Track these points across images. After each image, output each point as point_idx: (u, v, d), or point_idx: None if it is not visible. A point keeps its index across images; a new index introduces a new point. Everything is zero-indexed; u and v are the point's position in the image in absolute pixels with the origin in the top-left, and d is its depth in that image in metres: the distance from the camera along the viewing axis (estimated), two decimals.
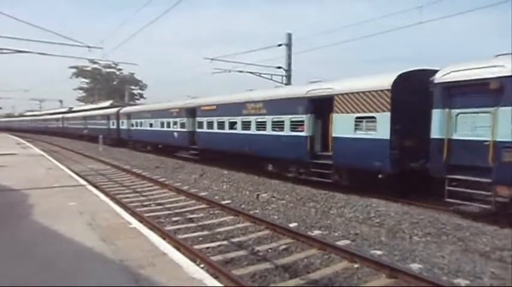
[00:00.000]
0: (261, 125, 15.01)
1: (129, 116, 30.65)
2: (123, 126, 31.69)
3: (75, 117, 48.24)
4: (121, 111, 33.10)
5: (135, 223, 6.91)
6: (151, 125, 25.97)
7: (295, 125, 13.28)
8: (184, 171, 17.81)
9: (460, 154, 8.66)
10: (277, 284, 5.47)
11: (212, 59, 22.57)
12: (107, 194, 10.95)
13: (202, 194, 12.13)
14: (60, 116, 55.63)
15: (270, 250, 6.90)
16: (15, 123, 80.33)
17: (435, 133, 9.17)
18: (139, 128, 28.39)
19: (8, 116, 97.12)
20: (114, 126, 33.59)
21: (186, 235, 7.77)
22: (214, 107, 18.51)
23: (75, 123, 47.22)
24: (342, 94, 11.58)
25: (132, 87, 74.77)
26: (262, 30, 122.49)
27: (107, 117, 35.67)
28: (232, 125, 17.01)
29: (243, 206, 10.63)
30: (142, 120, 27.58)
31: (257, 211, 10.00)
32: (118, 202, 9.93)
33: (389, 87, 10.23)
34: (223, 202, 10.82)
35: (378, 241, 7.42)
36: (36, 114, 74.18)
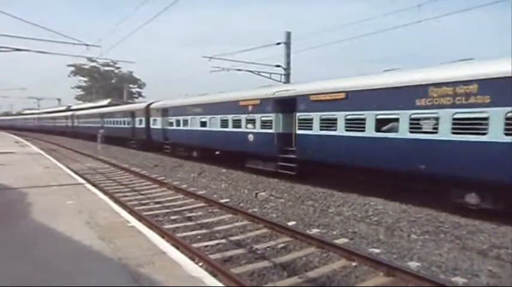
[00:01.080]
0: None
1: (165, 112, 23.76)
2: (156, 126, 24.94)
3: (89, 115, 41.14)
4: (152, 106, 26.17)
5: (133, 222, 6.92)
6: (204, 123, 19.19)
7: None
8: (183, 169, 17.81)
9: None
10: (276, 283, 5.49)
11: (210, 58, 22.54)
12: (105, 192, 10.95)
13: (201, 192, 12.14)
14: (69, 113, 49.17)
15: (268, 249, 6.92)
16: (19, 121, 75.97)
17: None
18: (182, 128, 21.50)
19: (6, 114, 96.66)
20: (142, 126, 27.10)
21: (184, 234, 7.78)
22: (342, 95, 11.78)
23: (88, 121, 40.41)
24: None
25: (131, 85, 74.64)
26: (262, 28, 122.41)
27: (132, 114, 29.22)
28: (381, 124, 10.62)
29: (241, 204, 10.64)
30: (189, 117, 20.63)
31: (255, 210, 10.02)
32: (116, 201, 9.93)
33: None
34: (222, 201, 10.83)
35: (376, 239, 7.45)
36: (41, 112, 68.80)
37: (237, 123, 16.65)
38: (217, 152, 19.44)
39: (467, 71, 8.85)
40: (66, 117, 49.60)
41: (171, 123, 23.04)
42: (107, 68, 76.27)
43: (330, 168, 12.60)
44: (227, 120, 17.27)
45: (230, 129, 17.09)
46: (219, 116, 17.91)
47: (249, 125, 15.90)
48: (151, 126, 25.79)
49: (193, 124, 20.23)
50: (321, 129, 12.49)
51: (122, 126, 31.12)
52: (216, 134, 18.15)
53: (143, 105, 28.00)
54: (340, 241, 7.26)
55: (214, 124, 18.32)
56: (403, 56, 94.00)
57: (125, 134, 30.33)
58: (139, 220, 7.52)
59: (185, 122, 21.25)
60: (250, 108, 15.81)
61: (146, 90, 78.66)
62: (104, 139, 32.61)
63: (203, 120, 19.36)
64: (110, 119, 34.27)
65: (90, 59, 55.46)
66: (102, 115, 36.34)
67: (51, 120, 56.50)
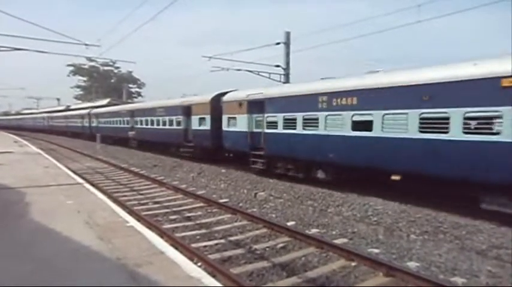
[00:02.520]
0: None
1: (258, 106, 15.35)
2: (235, 127, 16.78)
3: (113, 113, 33.18)
4: (228, 97, 17.69)
5: (132, 222, 6.90)
6: (363, 125, 11.18)
7: None
8: (182, 169, 17.78)
9: None
10: (275, 283, 5.48)
11: (210, 57, 22.54)
12: (104, 192, 10.93)
13: (200, 192, 12.13)
14: (85, 111, 41.28)
15: (267, 249, 6.91)
16: (27, 121, 69.83)
17: None
18: (301, 131, 13.17)
19: (6, 114, 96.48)
20: (205, 127, 19.12)
21: (183, 234, 7.76)
22: None
23: (111, 121, 33.12)
24: None
25: (130, 85, 74.65)
26: (262, 28, 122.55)
27: (185, 110, 21.16)
28: None
29: (240, 204, 10.63)
30: (321, 114, 12.37)
31: (255, 210, 10.01)
32: (115, 201, 9.92)
33: None
34: (221, 201, 10.82)
35: (375, 240, 7.44)
36: (52, 110, 62.09)
37: (482, 125, 8.65)
38: (395, 177, 10.48)
39: None
40: (81, 116, 41.96)
41: (271, 125, 14.69)
42: (106, 68, 76.34)
43: None
44: (446, 119, 9.13)
45: (456, 136, 8.93)
46: (414, 112, 9.76)
47: None
48: (225, 128, 17.57)
49: (332, 125, 12.09)
50: None
51: (168, 127, 22.94)
52: (398, 145, 10.14)
53: (206, 97, 19.39)
54: (340, 241, 7.25)
55: (395, 126, 10.28)
56: (403, 56, 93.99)
57: (172, 139, 22.39)
58: (138, 220, 7.50)
59: (309, 123, 12.96)
60: None
61: (146, 90, 78.79)
62: (136, 144, 27.28)
63: (362, 118, 11.20)
64: (145, 117, 26.10)
65: (90, 59, 55.39)
66: (133, 113, 28.36)
67: (64, 119, 49.60)
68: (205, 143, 19.38)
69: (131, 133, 27.39)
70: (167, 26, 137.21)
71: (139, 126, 27.23)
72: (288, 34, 22.55)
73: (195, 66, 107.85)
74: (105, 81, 77.34)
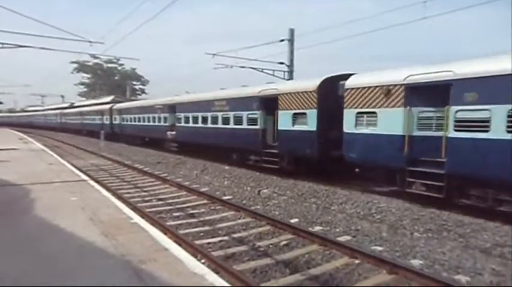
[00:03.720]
0: None
1: (458, 90, 8.80)
2: (374, 129, 10.83)
3: (144, 108, 27.38)
4: (355, 83, 11.56)
5: (136, 218, 6.92)
6: None
7: None
8: (186, 167, 17.82)
9: None
10: (278, 280, 5.48)
11: (214, 55, 22.55)
12: (108, 189, 10.96)
13: (204, 189, 12.15)
14: (106, 107, 35.87)
15: (270, 246, 6.93)
16: (39, 118, 66.32)
17: None
18: None
19: (10, 111, 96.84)
20: (306, 128, 13.02)
21: (187, 230, 7.79)
22: None
23: (141, 118, 27.38)
24: None
25: (134, 82, 74.76)
26: (265, 26, 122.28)
27: (263, 103, 15.22)
28: None
29: (244, 201, 10.65)
30: None
31: (258, 207, 10.02)
32: (119, 197, 9.95)
33: None
34: (225, 198, 10.84)
35: (378, 237, 7.43)
36: (65, 107, 57.88)
37: None
38: None
39: None
40: (101, 112, 36.52)
41: (467, 125, 8.82)
42: (110, 65, 76.44)
43: None
44: None
45: None
46: None
47: None
48: (350, 129, 11.51)
49: None
50: None
51: (233, 127, 16.93)
52: None
53: (311, 83, 13.14)
54: (343, 239, 7.25)
55: None
56: (407, 53, 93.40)
57: (240, 143, 16.49)
58: (142, 217, 7.52)
59: None
60: None
61: (149, 87, 78.90)
62: (177, 147, 22.39)
63: None
64: (193, 113, 20.31)
65: (94, 56, 55.41)
66: (174, 107, 22.61)
67: (79, 116, 44.44)
68: (305, 150, 13.16)
69: (171, 133, 22.34)
70: (170, 24, 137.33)
71: (183, 124, 21.21)
72: (292, 31, 22.47)
73: (198, 64, 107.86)
74: (109, 79, 77.50)
